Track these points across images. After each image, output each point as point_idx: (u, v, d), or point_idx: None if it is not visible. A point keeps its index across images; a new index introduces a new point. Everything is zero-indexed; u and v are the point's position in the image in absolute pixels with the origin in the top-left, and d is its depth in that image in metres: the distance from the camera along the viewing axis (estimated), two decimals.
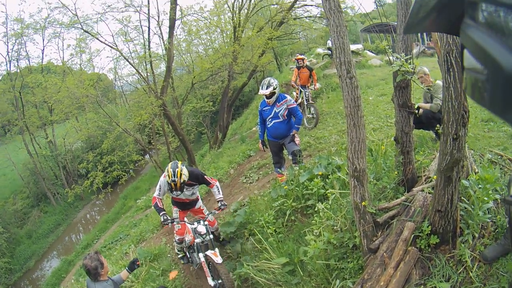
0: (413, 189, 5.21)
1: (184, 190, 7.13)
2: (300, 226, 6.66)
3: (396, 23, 5.01)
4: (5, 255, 31.03)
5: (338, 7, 4.32)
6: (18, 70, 39.41)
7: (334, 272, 5.26)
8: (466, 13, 0.90)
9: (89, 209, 40.53)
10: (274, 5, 23.36)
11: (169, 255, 9.40)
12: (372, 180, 5.85)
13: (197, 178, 7.27)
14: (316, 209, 6.23)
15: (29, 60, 40.57)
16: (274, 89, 8.32)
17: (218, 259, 6.59)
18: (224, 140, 23.94)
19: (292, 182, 7.43)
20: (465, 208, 4.34)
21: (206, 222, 7.17)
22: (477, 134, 7.77)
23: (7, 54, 38.20)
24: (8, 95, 39.05)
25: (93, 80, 23.82)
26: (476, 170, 5.02)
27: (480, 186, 4.29)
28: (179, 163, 6.86)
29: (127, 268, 5.95)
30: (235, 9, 21.94)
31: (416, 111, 5.54)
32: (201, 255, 6.98)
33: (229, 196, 11.02)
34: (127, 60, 20.10)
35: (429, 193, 4.81)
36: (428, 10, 0.99)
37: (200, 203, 8.06)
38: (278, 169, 8.86)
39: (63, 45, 44.84)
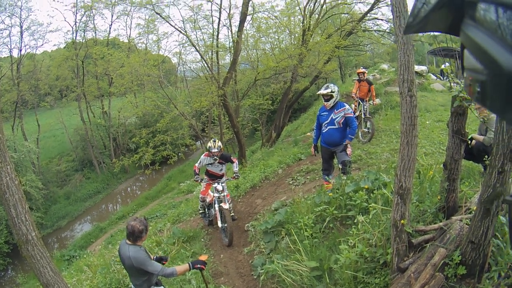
0: (452, 217, 5.17)
1: (216, 165, 10.30)
2: (337, 235, 6.67)
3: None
4: (39, 210, 32.24)
5: None
6: (84, 40, 40.53)
7: (360, 285, 5.29)
8: (466, 13, 0.92)
9: (131, 183, 41.45)
10: (345, 13, 23.27)
11: (202, 240, 9.76)
12: (414, 201, 5.83)
13: (226, 158, 10.35)
14: (355, 221, 6.27)
15: (95, 32, 41.91)
16: (332, 91, 8.43)
17: (225, 206, 9.42)
18: (277, 140, 24.00)
19: (337, 190, 7.47)
20: (498, 245, 4.28)
21: (224, 183, 9.96)
22: None
23: (75, 24, 39.56)
24: (71, 62, 40.42)
25: (158, 60, 24.05)
26: None
27: None
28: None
29: (190, 263, 5.92)
30: (306, 12, 21.87)
31: (469, 141, 5.53)
32: (216, 206, 9.65)
33: (273, 194, 11.10)
34: (195, 47, 20.28)
35: (466, 224, 4.74)
36: (428, 10, 1.01)
37: (224, 180, 10.29)
38: (326, 176, 8.91)
39: (131, 23, 45.36)
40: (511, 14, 0.76)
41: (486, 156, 5.82)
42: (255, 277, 7.47)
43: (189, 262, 5.90)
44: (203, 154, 10.32)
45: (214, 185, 9.85)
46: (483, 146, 7.31)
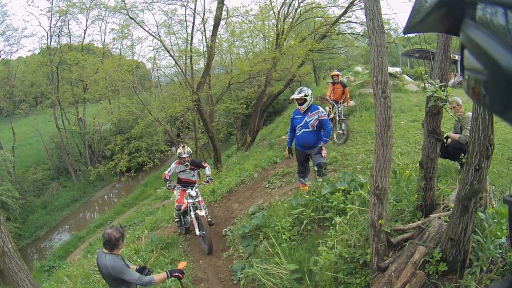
0: (430, 215, 5.21)
1: (188, 172, 10.30)
2: (315, 237, 6.68)
3: (436, 50, 5.04)
4: (17, 220, 31.89)
5: (381, 28, 4.39)
6: (58, 46, 40.24)
7: (341, 286, 5.29)
8: (466, 13, 0.91)
9: (108, 190, 41.22)
10: (319, 17, 23.40)
11: (180, 246, 9.74)
12: (392, 201, 5.88)
13: (196, 164, 10.46)
14: (333, 222, 6.27)
15: (70, 38, 41.73)
16: (306, 95, 8.44)
17: (201, 213, 9.35)
18: (252, 144, 23.98)
19: (313, 193, 7.48)
20: (478, 240, 4.32)
21: (197, 189, 9.98)
22: (501, 171, 7.79)
23: (49, 29, 39.20)
24: (45, 68, 40.15)
25: (132, 66, 24.09)
26: (495, 205, 5.00)
27: (495, 220, 4.29)
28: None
29: (168, 271, 5.87)
30: (280, 16, 22.02)
31: (445, 140, 5.57)
32: (192, 213, 9.55)
33: (249, 198, 11.07)
34: (168, 52, 20.44)
35: (445, 221, 4.79)
36: (428, 10, 1.00)
37: (197, 186, 10.28)
38: (302, 179, 8.84)
39: (105, 28, 45.44)
40: (511, 14, 0.74)
41: (463, 154, 5.87)
42: (235, 282, 7.45)
43: (167, 271, 5.85)
44: (174, 163, 10.47)
45: (187, 191, 9.87)
46: (459, 144, 7.40)
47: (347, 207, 6.34)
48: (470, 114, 7.04)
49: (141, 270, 6.09)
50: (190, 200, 9.72)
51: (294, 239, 6.97)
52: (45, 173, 41.82)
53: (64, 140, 40.40)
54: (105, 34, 48.25)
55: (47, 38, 40.06)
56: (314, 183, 7.86)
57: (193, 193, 9.72)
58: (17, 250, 6.14)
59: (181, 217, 10.73)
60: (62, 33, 40.50)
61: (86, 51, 39.07)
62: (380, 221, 4.79)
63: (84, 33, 41.86)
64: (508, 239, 3.84)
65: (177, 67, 21.17)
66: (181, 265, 7.06)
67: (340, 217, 6.26)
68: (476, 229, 4.39)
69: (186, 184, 10.39)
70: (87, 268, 10.53)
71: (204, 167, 10.41)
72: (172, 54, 20.52)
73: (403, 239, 4.99)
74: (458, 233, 4.10)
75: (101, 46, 40.13)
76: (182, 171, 10.30)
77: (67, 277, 11.17)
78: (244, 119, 31.77)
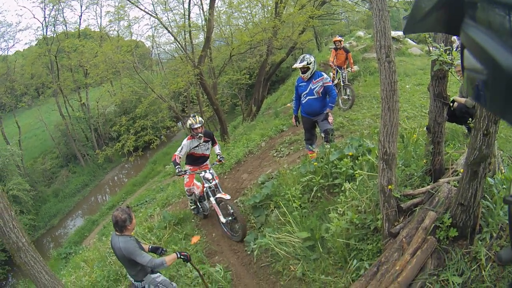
0: (440, 180, 5.18)
1: (203, 145, 9.21)
2: (325, 203, 6.72)
3: None
4: (30, 212, 31.96)
5: None
6: (55, 35, 39.89)
7: (353, 252, 5.36)
8: (466, 13, 0.93)
9: (117, 171, 41.27)
10: None
11: (193, 220, 9.70)
12: (400, 166, 5.92)
13: (210, 136, 9.38)
14: (342, 188, 6.28)
15: (66, 25, 41.11)
16: (308, 64, 8.37)
17: (227, 196, 8.12)
18: (257, 114, 23.90)
19: (322, 159, 7.48)
20: (487, 206, 4.32)
21: (212, 170, 8.97)
22: (509, 136, 7.73)
23: (44, 19, 38.80)
24: (44, 59, 39.67)
25: (131, 46, 24.02)
26: (503, 171, 4.98)
27: (504, 186, 4.27)
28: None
29: (177, 252, 5.86)
30: None
31: (451, 104, 5.55)
32: (212, 199, 8.47)
33: (258, 168, 11.08)
34: (166, 29, 20.24)
35: (454, 186, 4.78)
36: (428, 10, 1.02)
37: (208, 161, 9.70)
38: (309, 146, 8.85)
39: (101, 12, 44.76)
40: (511, 14, 0.76)
41: (470, 119, 5.86)
42: (248, 252, 7.48)
43: (176, 252, 5.87)
44: (186, 139, 9.08)
45: (201, 174, 8.71)
46: (466, 108, 7.35)
47: (356, 173, 6.34)
48: None
49: (155, 250, 6.19)
50: (206, 184, 8.59)
51: (305, 207, 7.01)
52: (53, 161, 41.88)
53: (70, 127, 40.30)
54: (101, 18, 47.96)
55: (43, 29, 39.69)
56: (322, 150, 7.84)
57: (208, 175, 8.58)
58: (32, 242, 6.21)
59: (197, 203, 9.67)
60: (58, 22, 40.03)
61: (83, 36, 38.37)
62: (389, 187, 4.83)
63: (80, 19, 41.28)
64: (509, 236, 3.86)
65: (177, 43, 20.95)
66: (195, 239, 7.06)
67: (349, 183, 6.26)
68: (485, 195, 4.39)
69: (199, 160, 9.44)
70: (102, 251, 10.56)
71: (216, 143, 9.48)
72: (170, 30, 20.34)
73: (413, 204, 5.01)
74: (468, 199, 4.09)
75: (98, 30, 39.68)
76: (196, 146, 9.10)
77: (84, 262, 11.30)
78: (248, 89, 31.46)
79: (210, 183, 8.57)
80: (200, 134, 8.88)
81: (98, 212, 30.61)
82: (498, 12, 0.80)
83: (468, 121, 6.88)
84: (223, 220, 8.31)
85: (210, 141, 9.41)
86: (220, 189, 8.56)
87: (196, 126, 8.78)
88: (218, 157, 9.26)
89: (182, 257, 5.81)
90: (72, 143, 40.38)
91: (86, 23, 53.52)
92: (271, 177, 9.28)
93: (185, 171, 8.85)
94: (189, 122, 8.94)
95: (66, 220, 33.93)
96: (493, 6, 0.82)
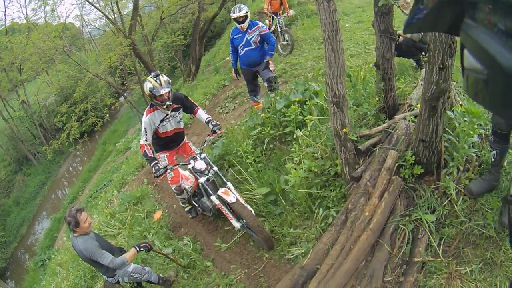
0: (395, 116, 5.18)
1: (172, 117, 6.24)
2: (280, 154, 6.64)
3: None
4: None
5: None
6: None
7: (317, 201, 5.30)
8: (466, 13, 0.91)
9: (70, 161, 40.28)
10: None
11: (151, 195, 9.47)
12: (351, 106, 5.83)
13: (180, 100, 6.31)
14: (294, 136, 6.22)
15: None
16: (246, 12, 8.21)
17: (230, 198, 5.51)
18: (197, 72, 23.66)
19: (268, 109, 7.36)
20: (450, 140, 4.32)
21: (203, 155, 6.09)
22: (459, 66, 7.71)
23: None
24: None
25: (59, 30, 23.18)
26: (460, 102, 5.00)
27: (465, 119, 4.24)
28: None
29: (135, 246, 5.66)
30: None
31: (397, 38, 5.46)
32: (213, 197, 5.80)
33: (206, 128, 10.77)
34: (91, 4, 20.08)
35: (411, 121, 4.80)
36: (428, 10, 1.00)
37: (185, 138, 6.98)
38: (254, 97, 8.79)
39: (25, 1, 43.13)
40: (511, 14, 0.76)
41: (424, 53, 5.79)
42: (212, 218, 7.30)
43: (135, 246, 5.66)
44: (144, 115, 6.12)
45: (189, 166, 6.06)
46: (412, 41, 7.40)
47: (306, 119, 6.25)
48: None
49: (121, 251, 5.94)
50: (202, 180, 5.89)
51: (259, 161, 6.88)
52: (6, 169, 40.30)
53: (14, 129, 38.42)
54: (26, 8, 46.22)
55: None
56: (267, 100, 7.74)
57: (200, 164, 5.92)
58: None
59: (191, 201, 7.15)
60: None
61: (11, 32, 36.80)
62: (344, 130, 4.74)
63: (5, 15, 39.67)
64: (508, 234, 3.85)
65: (106, 17, 20.62)
66: (157, 215, 6.85)
67: (300, 130, 6.21)
68: (447, 129, 4.39)
69: (175, 140, 6.74)
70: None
71: (196, 108, 6.52)
72: (96, 5, 20.25)
73: (371, 145, 4.98)
74: (429, 134, 4.08)
75: (25, 22, 38.26)
76: (163, 120, 6.23)
77: (59, 266, 11.06)
78: (185, 50, 31.03)
79: (207, 174, 5.90)
80: (168, 102, 5.92)
81: (61, 209, 29.71)
82: (497, 12, 0.79)
83: (416, 55, 6.85)
84: (236, 224, 5.87)
85: (181, 108, 6.42)
86: (222, 178, 6.02)
87: (162, 92, 5.77)
88: (211, 125, 6.24)
89: (142, 249, 5.65)
90: (20, 145, 38.91)
91: (11, 17, 51.66)
92: (220, 135, 9.09)
93: (165, 168, 5.92)
94: (148, 86, 5.83)
95: (33, 226, 32.94)
96: (492, 5, 0.81)
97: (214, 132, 6.16)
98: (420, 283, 3.90)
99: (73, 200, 27.53)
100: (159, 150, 6.69)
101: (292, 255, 5.20)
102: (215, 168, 5.98)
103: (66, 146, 31.95)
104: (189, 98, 6.54)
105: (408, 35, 7.39)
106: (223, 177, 6.01)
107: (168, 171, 6.12)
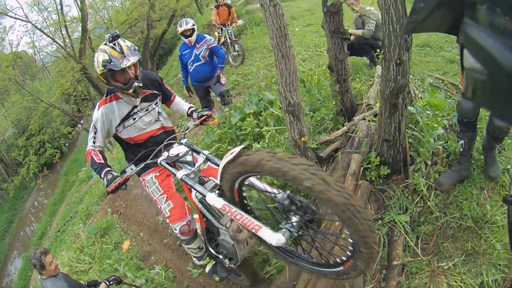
0: (354, 118, 5.08)
1: (141, 111, 3.86)
2: None
3: None
4: None
5: None
6: None
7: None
8: (466, 13, 0.94)
9: (35, 196, 39.46)
10: None
11: (117, 225, 9.27)
12: (308, 112, 5.72)
13: (157, 83, 4.08)
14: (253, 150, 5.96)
15: None
16: (193, 25, 8.10)
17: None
18: None
19: (224, 125, 7.23)
20: (414, 135, 4.24)
21: (184, 139, 3.85)
22: (414, 59, 7.79)
23: None
24: None
25: (9, 60, 22.85)
26: (420, 96, 4.97)
27: (428, 111, 4.15)
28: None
29: (104, 281, 5.49)
30: None
31: (349, 37, 5.32)
32: (212, 195, 2.85)
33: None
34: (39, 29, 20.06)
35: (371, 121, 4.70)
36: (428, 10, 1.02)
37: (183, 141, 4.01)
38: None
39: None
40: (511, 14, 0.78)
41: (378, 50, 5.68)
42: (177, 242, 7.11)
43: (104, 280, 5.46)
44: (96, 107, 3.73)
45: (178, 174, 3.19)
46: (364, 39, 7.42)
47: (263, 130, 6.14)
48: (370, 8, 7.19)
49: (93, 285, 5.69)
50: (179, 174, 3.17)
51: None
52: None
53: None
54: None
55: None
56: (221, 114, 7.60)
57: (179, 149, 3.73)
58: None
59: (213, 252, 4.25)
60: None
61: None
62: (302, 139, 4.56)
63: None
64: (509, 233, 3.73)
65: (55, 42, 20.54)
66: (125, 245, 6.64)
67: (258, 143, 6.11)
68: (410, 125, 4.31)
69: (154, 141, 4.07)
70: None
71: (173, 95, 4.45)
72: (44, 31, 20.20)
73: (332, 150, 4.84)
74: (392, 133, 3.95)
75: None
76: (128, 115, 3.80)
77: None
78: None
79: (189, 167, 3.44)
80: (136, 83, 3.49)
81: (31, 246, 29.15)
82: (497, 12, 0.80)
83: (368, 52, 6.77)
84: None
85: (159, 96, 4.12)
86: (214, 161, 3.45)
87: (125, 64, 3.37)
88: (197, 114, 4.41)
89: (111, 282, 5.47)
90: None
91: None
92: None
93: (122, 172, 3.25)
94: (101, 58, 3.42)
95: (6, 268, 31.96)
96: (492, 6, 0.82)
97: (202, 118, 4.30)
98: (404, 285, 3.78)
99: (42, 236, 27.09)
100: (142, 169, 3.57)
101: (267, 273, 4.98)
102: (206, 152, 3.51)
103: (27, 181, 31.48)
104: (164, 81, 4.25)
105: (359, 33, 7.43)
106: (213, 159, 3.43)
107: (129, 172, 3.21)
